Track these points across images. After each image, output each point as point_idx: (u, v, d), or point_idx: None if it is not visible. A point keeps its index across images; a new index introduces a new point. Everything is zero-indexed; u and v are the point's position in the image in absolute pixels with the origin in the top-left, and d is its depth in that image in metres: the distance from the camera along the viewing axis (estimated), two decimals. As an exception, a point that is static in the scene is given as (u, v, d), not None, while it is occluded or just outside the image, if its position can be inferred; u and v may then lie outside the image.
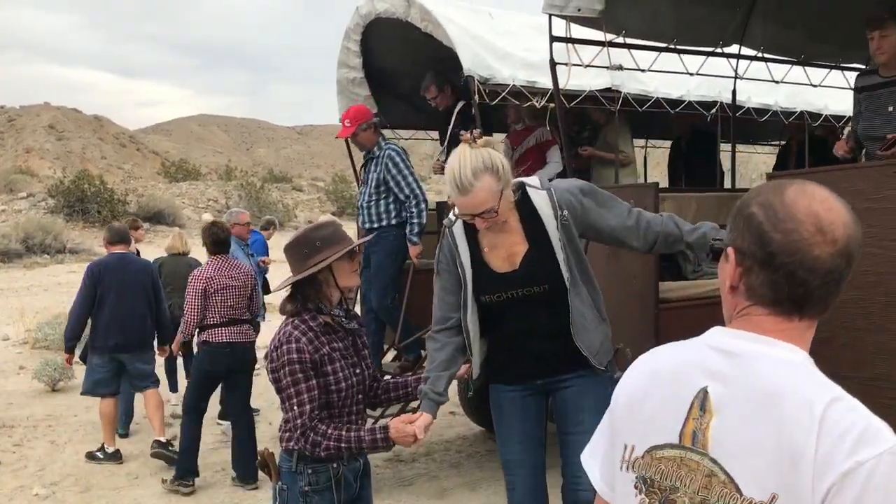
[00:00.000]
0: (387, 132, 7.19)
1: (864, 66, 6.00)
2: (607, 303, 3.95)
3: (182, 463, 5.62)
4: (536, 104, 5.58)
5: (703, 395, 1.17)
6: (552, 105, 5.46)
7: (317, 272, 2.71)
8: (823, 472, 1.04)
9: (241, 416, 5.77)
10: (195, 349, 6.26)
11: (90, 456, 6.33)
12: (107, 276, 6.10)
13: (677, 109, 6.23)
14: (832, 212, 1.17)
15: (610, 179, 6.10)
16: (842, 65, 5.88)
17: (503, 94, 5.35)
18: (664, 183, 6.85)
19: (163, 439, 6.08)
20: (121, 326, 6.04)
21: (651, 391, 1.26)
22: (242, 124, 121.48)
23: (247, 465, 5.54)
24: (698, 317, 3.94)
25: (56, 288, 15.54)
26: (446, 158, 5.92)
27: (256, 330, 6.08)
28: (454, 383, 6.96)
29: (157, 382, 6.36)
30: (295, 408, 2.67)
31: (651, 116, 6.23)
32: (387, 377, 3.19)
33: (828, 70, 5.91)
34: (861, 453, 1.04)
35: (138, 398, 6.75)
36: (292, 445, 2.70)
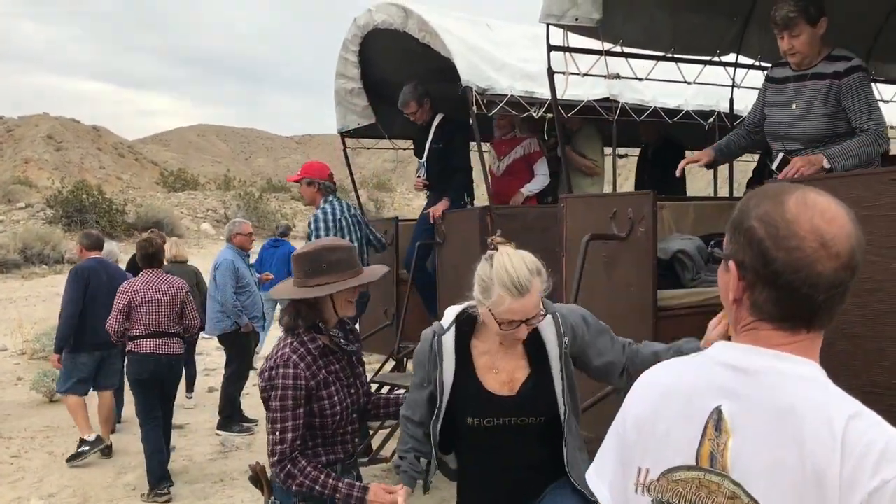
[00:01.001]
0: (385, 142, 7.21)
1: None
2: (606, 311, 3.94)
3: (152, 473, 5.68)
4: (534, 114, 5.60)
5: (718, 415, 1.15)
6: (550, 115, 5.48)
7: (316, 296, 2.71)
8: (850, 492, 1.03)
9: (157, 424, 5.84)
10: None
11: (75, 456, 6.41)
12: (94, 279, 6.50)
13: (675, 119, 6.25)
14: (834, 224, 1.15)
15: (581, 188, 6.05)
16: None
17: (501, 104, 5.36)
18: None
19: (103, 438, 6.53)
20: (101, 327, 6.12)
21: (662, 411, 1.23)
22: (241, 134, 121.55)
23: (160, 469, 5.72)
24: (697, 325, 3.94)
25: (54, 298, 15.46)
26: (426, 174, 5.97)
27: (189, 343, 6.46)
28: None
29: (119, 384, 6.81)
30: (278, 433, 2.65)
31: (622, 124, 6.15)
32: (384, 390, 3.17)
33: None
34: (886, 471, 1.03)
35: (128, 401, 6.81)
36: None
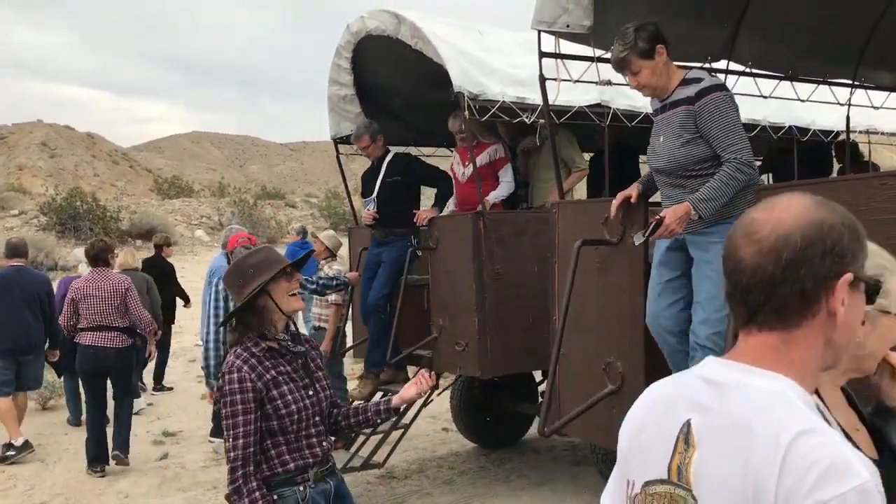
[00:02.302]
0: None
1: (851, 82, 6.08)
2: (598, 316, 3.96)
3: (88, 452, 6.32)
4: (526, 120, 5.61)
5: (687, 428, 1.13)
6: (542, 121, 5.49)
7: (255, 298, 2.69)
8: None
9: (119, 412, 6.50)
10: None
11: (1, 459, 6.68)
12: (7, 287, 6.77)
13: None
14: (772, 213, 1.14)
15: (548, 195, 5.93)
16: (829, 80, 5.92)
17: (493, 110, 5.37)
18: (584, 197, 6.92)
19: (18, 442, 6.80)
20: (22, 332, 6.75)
21: (646, 424, 1.22)
22: (235, 141, 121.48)
23: (97, 449, 6.33)
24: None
25: (47, 306, 15.48)
26: (376, 209, 5.95)
27: (136, 337, 6.73)
28: (446, 399, 6.99)
29: (38, 384, 7.21)
30: (230, 440, 2.63)
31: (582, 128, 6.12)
32: (356, 403, 3.14)
33: (815, 85, 5.95)
34: (824, 490, 0.96)
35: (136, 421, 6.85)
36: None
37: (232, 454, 2.61)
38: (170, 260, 9.88)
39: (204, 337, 5.54)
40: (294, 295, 2.79)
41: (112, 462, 6.39)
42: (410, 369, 6.76)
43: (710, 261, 3.35)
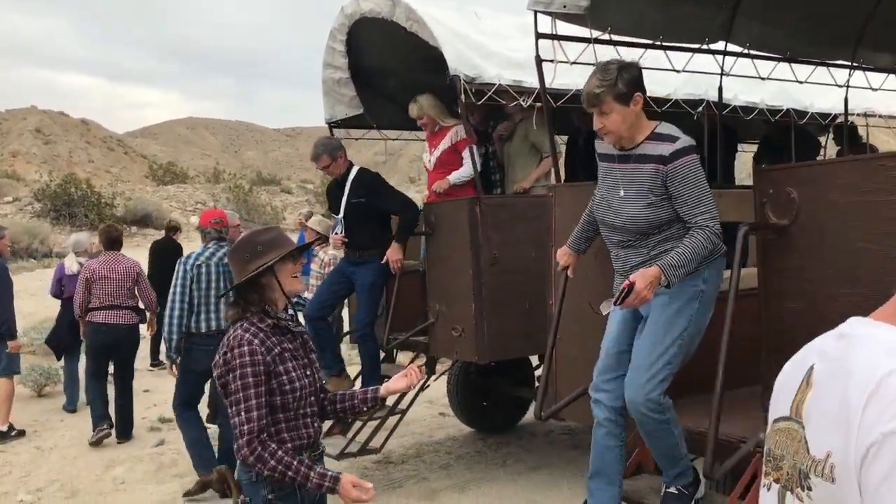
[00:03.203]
0: (373, 132, 7.17)
1: (849, 64, 6.04)
2: (595, 300, 3.92)
3: (93, 416, 6.86)
4: (523, 103, 5.56)
5: (809, 372, 1.21)
6: (539, 104, 5.45)
7: (259, 276, 2.68)
8: (868, 431, 1.04)
9: (122, 387, 7.02)
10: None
11: None
12: None
13: (664, 108, 6.22)
14: None
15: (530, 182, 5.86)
16: (827, 62, 5.89)
17: (489, 93, 5.33)
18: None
19: (3, 428, 7.09)
20: None
21: (786, 374, 1.30)
22: (230, 127, 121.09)
23: (124, 423, 6.98)
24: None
25: (43, 292, 15.36)
26: (342, 231, 5.69)
27: (142, 315, 7.19)
28: (443, 384, 6.99)
29: (7, 371, 7.21)
30: (243, 413, 2.59)
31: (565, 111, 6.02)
32: (354, 389, 3.12)
33: (813, 67, 5.92)
34: None
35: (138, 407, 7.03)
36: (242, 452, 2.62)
37: (246, 427, 2.58)
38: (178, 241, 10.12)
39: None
40: (296, 277, 2.80)
41: (115, 437, 6.89)
42: (406, 355, 6.76)
43: (654, 320, 3.21)
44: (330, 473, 2.63)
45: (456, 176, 5.74)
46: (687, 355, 3.26)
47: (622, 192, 3.24)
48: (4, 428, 7.07)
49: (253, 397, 2.59)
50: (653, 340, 3.21)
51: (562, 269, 3.74)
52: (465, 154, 5.76)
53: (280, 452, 2.59)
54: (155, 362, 9.74)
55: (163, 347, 8.26)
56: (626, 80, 3.09)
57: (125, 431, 6.97)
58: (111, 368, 7.08)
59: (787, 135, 6.92)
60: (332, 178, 5.84)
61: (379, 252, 5.55)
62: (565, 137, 7.48)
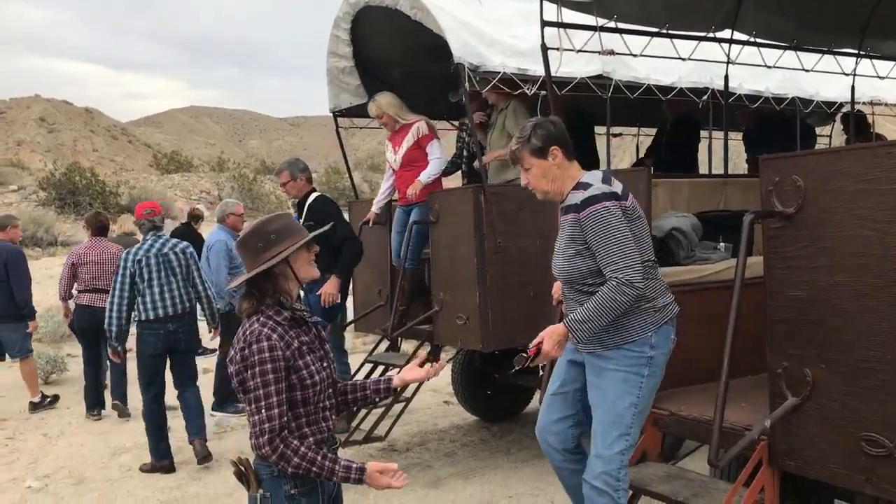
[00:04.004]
0: (377, 121, 7.16)
1: (856, 52, 6.01)
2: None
3: (87, 398, 7.36)
4: (527, 91, 5.55)
5: None
6: (543, 92, 5.43)
7: (274, 265, 2.62)
8: None
9: (93, 361, 7.42)
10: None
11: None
12: None
13: (669, 96, 6.20)
14: None
15: (509, 174, 5.75)
16: (833, 50, 5.86)
17: (493, 81, 5.31)
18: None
19: (35, 399, 7.70)
20: None
21: None
22: (234, 116, 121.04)
23: (95, 395, 7.42)
24: (691, 302, 3.94)
25: (48, 281, 15.44)
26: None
27: None
28: (448, 372, 7.01)
29: (24, 352, 7.65)
30: (263, 412, 2.54)
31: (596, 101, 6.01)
32: (354, 380, 3.09)
33: (820, 55, 5.89)
34: None
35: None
36: (263, 450, 2.57)
37: (267, 425, 2.53)
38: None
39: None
40: (311, 264, 2.74)
41: (114, 411, 7.36)
42: (410, 343, 6.78)
43: (605, 389, 3.14)
44: (355, 465, 2.59)
45: (427, 175, 5.74)
46: (642, 422, 3.22)
47: (559, 244, 3.26)
48: (37, 399, 7.68)
49: (274, 394, 2.53)
50: (606, 410, 3.14)
51: (556, 303, 3.65)
52: (430, 149, 5.79)
53: (303, 449, 2.55)
54: (199, 350, 9.76)
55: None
56: (539, 135, 3.12)
57: (93, 405, 7.40)
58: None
59: (769, 123, 6.86)
60: (297, 200, 6.10)
61: (325, 279, 5.71)
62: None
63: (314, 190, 6.08)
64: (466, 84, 5.25)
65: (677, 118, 6.94)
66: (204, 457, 5.80)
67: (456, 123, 7.21)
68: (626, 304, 3.00)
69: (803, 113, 7.04)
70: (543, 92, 5.41)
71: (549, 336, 3.07)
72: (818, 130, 8.20)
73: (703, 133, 7.61)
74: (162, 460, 5.79)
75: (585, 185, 3.12)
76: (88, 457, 6.21)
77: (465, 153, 6.74)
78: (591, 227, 3.03)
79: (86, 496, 5.43)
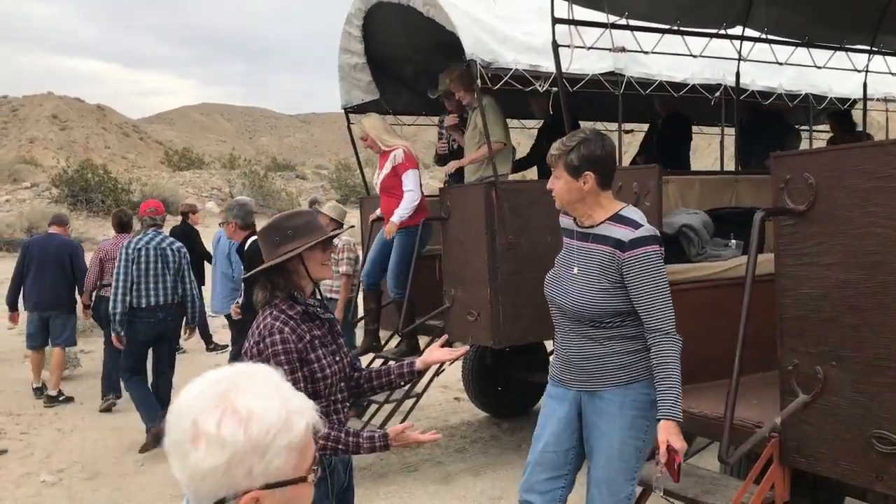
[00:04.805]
0: (389, 118, 7.19)
1: (868, 48, 5.98)
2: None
3: (105, 384, 7.48)
4: (539, 88, 5.56)
5: None
6: (555, 89, 5.43)
7: (287, 261, 2.67)
8: None
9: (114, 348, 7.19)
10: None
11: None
12: (33, 252, 7.78)
13: (681, 93, 6.20)
14: None
15: (488, 171, 5.72)
16: (846, 47, 5.83)
17: (505, 78, 5.32)
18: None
19: (52, 393, 7.78)
20: (48, 289, 7.66)
21: None
22: (245, 113, 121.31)
23: (112, 382, 7.42)
24: (701, 299, 3.94)
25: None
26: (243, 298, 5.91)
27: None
28: (458, 368, 7.02)
29: (68, 342, 7.95)
30: None
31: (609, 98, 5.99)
32: (386, 362, 3.14)
33: (832, 52, 5.86)
34: None
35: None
36: None
37: None
38: (196, 227, 10.15)
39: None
40: (326, 264, 2.78)
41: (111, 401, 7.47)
42: (423, 339, 6.79)
43: (610, 433, 2.94)
44: (377, 433, 2.67)
45: (398, 216, 5.64)
46: (644, 461, 3.07)
47: (575, 270, 3.00)
48: (54, 393, 7.78)
49: (290, 384, 2.61)
50: (611, 457, 2.96)
51: None
52: (405, 179, 5.66)
53: (326, 429, 2.62)
54: (211, 346, 9.91)
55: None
56: (581, 154, 2.89)
57: (107, 389, 7.54)
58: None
59: (758, 120, 6.81)
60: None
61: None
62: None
63: (251, 234, 6.12)
64: (479, 81, 5.26)
65: (668, 115, 6.93)
66: (151, 444, 6.05)
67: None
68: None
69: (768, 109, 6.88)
70: (555, 88, 5.41)
71: (672, 435, 2.73)
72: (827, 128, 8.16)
73: (710, 129, 7.60)
74: (159, 424, 5.88)
75: (634, 223, 2.88)
76: (102, 452, 6.26)
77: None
78: (638, 269, 2.82)
79: (99, 490, 5.48)
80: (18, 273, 7.77)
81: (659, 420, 2.77)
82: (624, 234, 2.87)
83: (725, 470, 3.48)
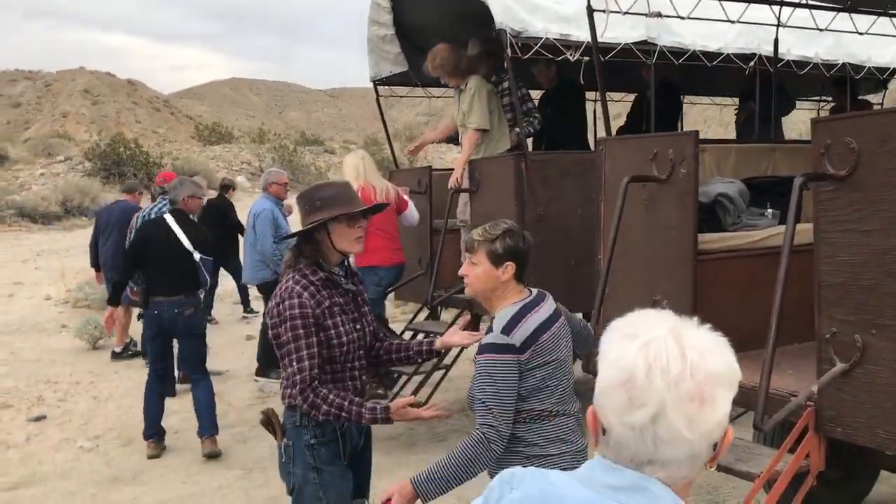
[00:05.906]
0: (418, 91, 7.14)
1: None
2: (645, 254, 3.87)
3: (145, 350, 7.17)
4: (570, 58, 5.47)
5: None
6: (587, 59, 5.35)
7: (314, 231, 2.73)
8: None
9: None
10: None
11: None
12: (101, 217, 8.46)
13: (715, 62, 6.07)
14: None
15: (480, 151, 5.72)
16: (890, 12, 5.66)
17: (536, 47, 5.25)
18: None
19: (117, 349, 8.31)
20: (105, 254, 8.18)
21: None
22: (274, 87, 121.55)
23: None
24: (737, 268, 3.89)
25: (95, 250, 15.83)
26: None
27: None
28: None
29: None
30: (294, 364, 2.66)
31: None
32: (416, 335, 3.17)
33: (875, 17, 5.70)
34: None
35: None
36: (293, 401, 2.70)
37: (298, 377, 2.65)
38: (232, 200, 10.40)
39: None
40: (354, 239, 2.80)
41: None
42: (451, 312, 6.79)
43: None
44: (379, 405, 2.72)
45: (407, 221, 5.99)
46: None
47: None
48: (119, 349, 8.31)
49: (304, 347, 2.65)
50: None
51: None
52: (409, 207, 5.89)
53: (331, 396, 2.67)
54: (248, 310, 10.31)
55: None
56: (506, 244, 2.74)
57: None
58: None
59: (758, 87, 6.63)
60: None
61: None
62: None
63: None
64: (508, 50, 5.19)
65: (659, 85, 6.74)
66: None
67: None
68: (483, 455, 2.55)
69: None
70: (587, 58, 5.33)
71: (401, 493, 2.46)
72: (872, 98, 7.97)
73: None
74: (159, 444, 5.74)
75: (490, 328, 2.71)
76: (137, 419, 6.34)
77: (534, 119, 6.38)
78: (477, 372, 2.63)
79: (134, 456, 5.59)
80: (94, 238, 8.38)
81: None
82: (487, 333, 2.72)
83: (759, 438, 3.45)
